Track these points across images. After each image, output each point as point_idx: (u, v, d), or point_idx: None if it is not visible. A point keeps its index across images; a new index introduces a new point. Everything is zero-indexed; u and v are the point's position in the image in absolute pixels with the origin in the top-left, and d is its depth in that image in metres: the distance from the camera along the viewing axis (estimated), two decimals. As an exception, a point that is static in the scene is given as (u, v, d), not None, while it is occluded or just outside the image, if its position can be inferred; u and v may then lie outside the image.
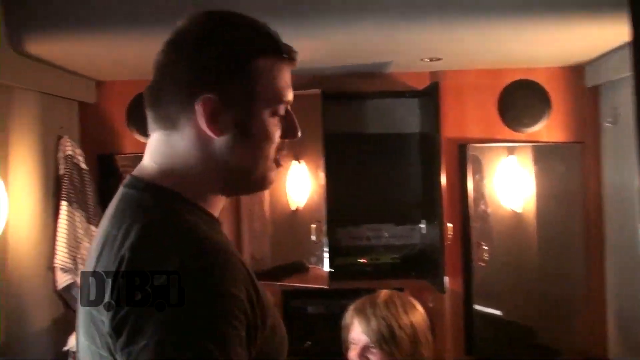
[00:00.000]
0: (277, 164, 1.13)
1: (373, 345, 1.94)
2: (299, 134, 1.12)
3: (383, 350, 1.93)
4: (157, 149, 1.09)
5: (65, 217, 2.75)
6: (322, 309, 3.30)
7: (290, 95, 1.11)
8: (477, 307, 3.13)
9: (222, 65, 1.03)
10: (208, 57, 1.03)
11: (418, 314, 2.02)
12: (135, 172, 1.11)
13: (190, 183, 1.07)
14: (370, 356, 1.96)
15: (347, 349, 2.04)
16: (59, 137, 2.86)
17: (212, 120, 1.03)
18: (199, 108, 1.02)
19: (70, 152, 2.86)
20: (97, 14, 2.28)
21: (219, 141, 1.05)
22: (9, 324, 2.36)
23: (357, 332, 1.98)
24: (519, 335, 3.25)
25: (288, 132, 1.12)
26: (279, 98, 1.08)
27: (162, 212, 1.03)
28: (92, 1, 2.27)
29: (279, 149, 1.12)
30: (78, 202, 2.83)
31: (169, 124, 1.06)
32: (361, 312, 1.99)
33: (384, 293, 2.05)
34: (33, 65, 2.53)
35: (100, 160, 3.24)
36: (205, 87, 1.02)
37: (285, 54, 1.09)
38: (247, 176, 1.10)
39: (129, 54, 2.63)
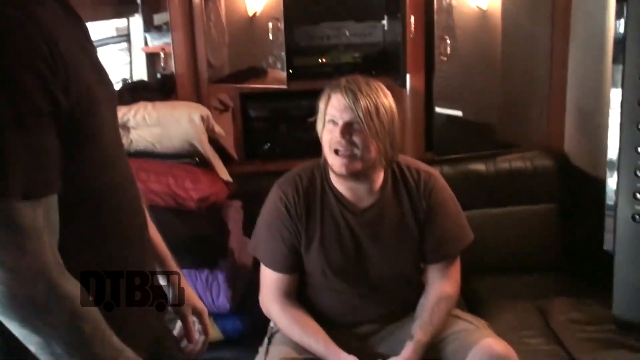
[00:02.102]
0: None
1: (359, 121, 1.93)
2: None
3: (369, 127, 1.93)
4: None
5: None
6: (281, 110, 3.27)
7: None
8: (439, 107, 3.11)
9: None
10: None
11: (391, 98, 2.02)
12: None
13: None
14: (354, 133, 1.95)
15: (321, 130, 2.03)
16: None
17: None
18: None
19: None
20: None
21: None
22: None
23: (341, 110, 1.96)
24: (478, 132, 3.29)
25: None
26: None
27: None
28: None
29: None
30: None
31: None
32: (347, 90, 1.95)
33: (358, 76, 2.02)
34: None
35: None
36: None
37: None
38: None
39: None
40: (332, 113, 1.98)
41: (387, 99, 1.99)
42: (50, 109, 0.97)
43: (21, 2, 0.99)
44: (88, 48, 1.17)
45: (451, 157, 3.06)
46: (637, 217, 0.85)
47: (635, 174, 0.84)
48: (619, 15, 0.87)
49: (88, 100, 1.05)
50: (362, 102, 1.93)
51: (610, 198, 0.91)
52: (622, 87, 0.86)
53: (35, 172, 0.95)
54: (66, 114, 1.00)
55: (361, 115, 1.93)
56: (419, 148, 3.14)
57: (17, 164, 0.92)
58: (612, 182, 0.90)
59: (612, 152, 0.89)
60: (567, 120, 3.12)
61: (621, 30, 0.86)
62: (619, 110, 0.88)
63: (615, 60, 0.88)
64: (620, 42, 0.86)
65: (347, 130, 1.95)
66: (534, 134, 3.21)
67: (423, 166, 2.19)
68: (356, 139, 1.96)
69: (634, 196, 0.85)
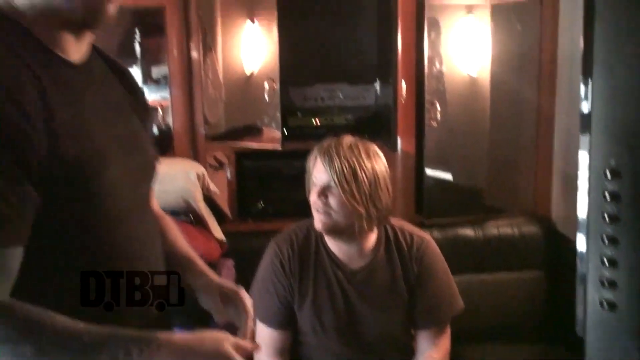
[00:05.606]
0: None
1: (334, 184, 1.97)
2: None
3: (343, 189, 1.96)
4: None
5: None
6: (275, 170, 3.31)
7: None
8: (428, 170, 3.17)
9: None
10: None
11: (380, 161, 2.05)
12: None
13: (34, 16, 1.07)
14: (330, 195, 1.99)
15: (309, 190, 2.07)
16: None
17: None
18: None
19: None
20: None
21: None
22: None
23: (320, 172, 2.01)
24: (467, 196, 3.34)
25: None
26: None
27: None
28: None
29: None
30: None
31: None
32: (325, 153, 2.01)
33: (348, 137, 2.06)
34: None
35: None
36: None
37: None
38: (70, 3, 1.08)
39: None
40: (314, 175, 2.04)
41: (370, 162, 2.01)
42: (25, 165, 1.00)
43: (47, 62, 1.07)
44: (114, 115, 1.21)
45: (440, 220, 3.11)
46: (605, 303, 0.89)
47: (602, 241, 0.89)
48: (585, 95, 0.94)
49: (84, 165, 1.08)
50: (337, 165, 1.97)
51: (581, 270, 0.94)
52: (590, 156, 0.92)
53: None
54: (52, 174, 1.03)
55: (335, 178, 1.97)
56: (408, 211, 3.19)
57: None
58: (581, 246, 0.94)
59: (582, 216, 0.94)
60: (554, 186, 3.19)
61: (587, 106, 0.93)
62: (587, 175, 0.94)
63: (582, 131, 0.95)
64: (586, 116, 0.93)
65: (324, 192, 2.00)
66: (522, 200, 3.27)
67: (416, 230, 2.23)
68: (332, 200, 2.00)
69: (602, 284, 0.89)
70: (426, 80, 3.05)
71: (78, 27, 1.12)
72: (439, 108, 3.07)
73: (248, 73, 3.19)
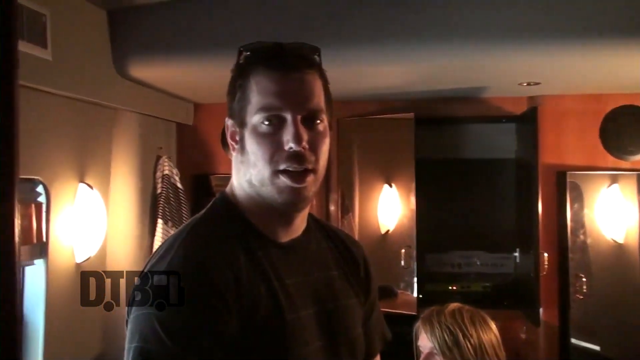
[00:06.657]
0: (288, 175, 1.10)
1: (437, 351, 1.94)
2: (294, 144, 1.08)
3: (445, 356, 1.92)
4: None
5: (161, 235, 2.84)
6: (410, 335, 3.25)
7: (277, 102, 1.10)
8: (574, 341, 2.99)
9: (228, 90, 1.18)
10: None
11: (488, 329, 1.99)
12: None
13: (249, 206, 1.17)
14: None
15: (418, 356, 2.04)
16: (158, 157, 2.97)
17: (231, 138, 1.18)
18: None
19: (167, 172, 2.96)
20: (197, 39, 2.37)
21: (236, 158, 1.17)
22: (106, 337, 2.45)
23: (424, 339, 1.99)
24: (619, 373, 3.08)
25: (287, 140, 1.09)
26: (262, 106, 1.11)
27: (196, 220, 1.18)
28: (192, 27, 2.36)
29: (285, 159, 1.10)
30: (173, 220, 2.92)
31: None
32: (427, 320, 2.00)
33: (453, 305, 2.04)
34: (136, 88, 2.63)
35: (196, 180, 3.34)
36: (228, 113, 1.18)
37: (263, 61, 1.14)
38: (260, 190, 1.13)
39: (227, 78, 2.70)
40: (419, 342, 2.02)
41: (475, 329, 1.95)
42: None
43: (254, 243, 1.14)
44: (320, 290, 1.21)
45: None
46: None
47: None
48: None
49: (273, 340, 1.10)
50: (438, 332, 1.94)
51: None
52: None
53: None
54: (243, 345, 1.07)
55: (436, 345, 1.93)
56: (554, 388, 2.98)
57: None
58: None
59: None
60: None
61: None
62: None
63: None
64: None
65: (428, 358, 1.96)
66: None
67: None
68: None
69: None
70: (570, 251, 2.95)
71: (283, 215, 1.18)
72: (584, 280, 2.93)
73: (383, 231, 3.25)
